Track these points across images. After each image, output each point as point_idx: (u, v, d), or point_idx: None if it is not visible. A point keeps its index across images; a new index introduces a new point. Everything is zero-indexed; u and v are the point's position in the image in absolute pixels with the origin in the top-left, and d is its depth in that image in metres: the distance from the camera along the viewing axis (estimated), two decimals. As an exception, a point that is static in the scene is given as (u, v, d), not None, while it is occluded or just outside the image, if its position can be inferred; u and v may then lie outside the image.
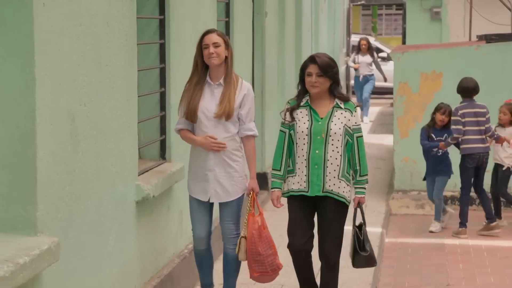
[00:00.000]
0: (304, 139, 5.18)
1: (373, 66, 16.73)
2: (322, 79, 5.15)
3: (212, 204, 5.31)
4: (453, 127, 8.30)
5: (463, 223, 8.32)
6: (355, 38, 23.65)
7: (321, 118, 5.18)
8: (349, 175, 5.24)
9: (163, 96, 5.89)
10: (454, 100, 8.70)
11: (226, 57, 5.17)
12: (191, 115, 5.19)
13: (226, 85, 5.18)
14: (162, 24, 5.80)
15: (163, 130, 5.90)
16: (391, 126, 10.97)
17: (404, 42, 17.80)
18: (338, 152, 5.16)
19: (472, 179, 8.36)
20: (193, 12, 6.36)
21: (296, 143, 5.22)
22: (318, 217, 5.30)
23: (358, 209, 5.35)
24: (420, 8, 15.26)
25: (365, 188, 5.33)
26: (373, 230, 8.24)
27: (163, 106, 5.89)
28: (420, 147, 8.87)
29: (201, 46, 5.17)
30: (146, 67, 5.65)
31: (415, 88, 9.78)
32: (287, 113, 5.27)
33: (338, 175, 5.17)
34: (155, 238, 5.48)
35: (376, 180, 10.77)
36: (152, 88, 5.79)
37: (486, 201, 8.40)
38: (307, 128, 5.17)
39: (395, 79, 9.91)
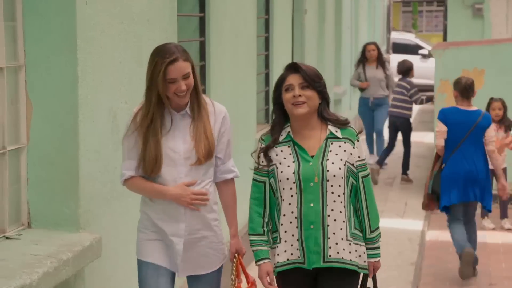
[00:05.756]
0: (290, 189, 3.61)
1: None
2: (309, 92, 3.60)
3: (173, 274, 3.70)
4: None
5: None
6: (395, 36, 23.52)
7: (312, 157, 3.63)
8: (360, 231, 3.72)
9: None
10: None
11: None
12: (152, 166, 3.54)
13: (198, 116, 3.58)
14: (202, 22, 5.82)
15: (203, 127, 5.91)
16: (431, 124, 10.86)
17: (445, 39, 17.61)
18: (341, 202, 3.62)
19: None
20: (233, 10, 6.37)
21: (280, 196, 3.65)
22: None
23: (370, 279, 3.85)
24: (462, 5, 15.08)
25: (379, 248, 3.78)
26: (413, 229, 8.19)
27: (203, 104, 5.90)
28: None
29: (160, 76, 3.48)
30: (187, 64, 5.67)
31: (457, 86, 9.67)
32: (261, 155, 3.69)
33: (346, 235, 3.63)
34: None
35: (417, 179, 10.69)
36: (192, 85, 5.81)
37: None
38: (293, 173, 3.60)
39: (436, 77, 9.82)
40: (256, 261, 3.73)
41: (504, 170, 8.43)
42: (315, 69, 3.70)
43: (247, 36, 6.75)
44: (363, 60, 10.98)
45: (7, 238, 3.67)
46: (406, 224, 8.37)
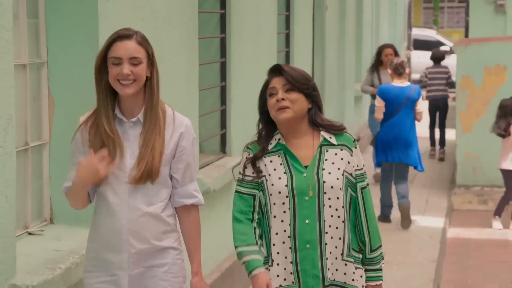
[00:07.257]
0: (283, 204, 3.19)
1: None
2: (294, 95, 3.18)
3: None
4: None
5: None
6: (416, 32, 23.39)
7: (305, 167, 3.21)
8: (358, 251, 3.30)
9: (223, 90, 5.92)
10: (519, 94, 8.50)
11: (147, 77, 3.04)
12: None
13: (150, 125, 3.04)
14: (223, 19, 5.83)
15: (223, 124, 5.93)
16: (453, 120, 10.78)
17: (466, 36, 17.49)
18: (339, 216, 3.21)
19: None
20: (253, 6, 6.37)
21: (270, 212, 3.22)
22: None
23: None
24: (484, 1, 14.95)
25: (381, 270, 3.33)
26: (434, 226, 8.16)
27: (223, 100, 5.92)
28: (483, 142, 8.70)
29: (101, 51, 3.02)
30: (207, 61, 5.69)
31: (478, 82, 9.61)
32: (249, 165, 3.25)
33: (342, 254, 3.23)
34: (215, 231, 5.51)
35: (438, 176, 10.64)
36: (213, 82, 5.82)
37: None
38: (286, 186, 3.19)
39: (458, 73, 9.75)
40: (250, 272, 3.17)
41: None
42: (302, 71, 3.26)
43: (267, 32, 6.75)
44: (377, 64, 9.58)
45: (29, 234, 3.70)
46: (427, 221, 8.33)
